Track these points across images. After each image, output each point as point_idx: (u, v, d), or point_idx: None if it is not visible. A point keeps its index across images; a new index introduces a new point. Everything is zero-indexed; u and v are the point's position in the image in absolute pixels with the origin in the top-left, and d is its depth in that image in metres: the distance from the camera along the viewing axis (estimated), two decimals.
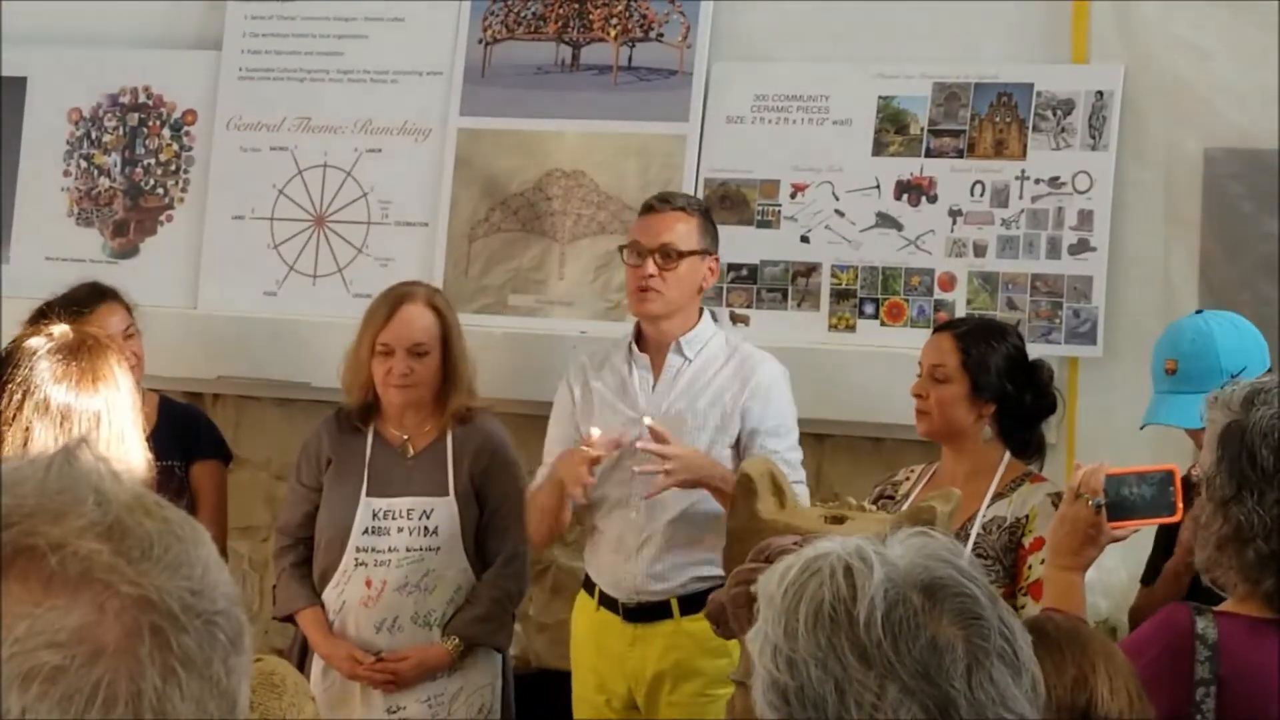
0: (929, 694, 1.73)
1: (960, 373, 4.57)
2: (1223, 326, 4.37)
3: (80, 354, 3.17)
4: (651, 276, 4.88)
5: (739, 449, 4.87)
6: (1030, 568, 4.40)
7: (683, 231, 4.90)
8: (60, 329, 3.27)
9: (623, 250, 5.03)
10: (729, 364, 4.93)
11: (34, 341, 3.20)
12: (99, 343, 3.27)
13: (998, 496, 4.53)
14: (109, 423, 3.10)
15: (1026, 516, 4.47)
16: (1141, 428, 4.49)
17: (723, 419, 4.88)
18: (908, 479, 4.74)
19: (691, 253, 4.89)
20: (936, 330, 4.79)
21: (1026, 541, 4.44)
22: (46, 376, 3.11)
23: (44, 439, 3.05)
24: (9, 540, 1.23)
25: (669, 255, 4.88)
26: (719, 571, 4.73)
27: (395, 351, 5.07)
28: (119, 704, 1.22)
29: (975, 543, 4.44)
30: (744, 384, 4.89)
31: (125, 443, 3.10)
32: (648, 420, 4.79)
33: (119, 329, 5.26)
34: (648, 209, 4.99)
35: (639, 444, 4.79)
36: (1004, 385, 4.56)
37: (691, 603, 4.84)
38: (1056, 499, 4.45)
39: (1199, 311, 4.57)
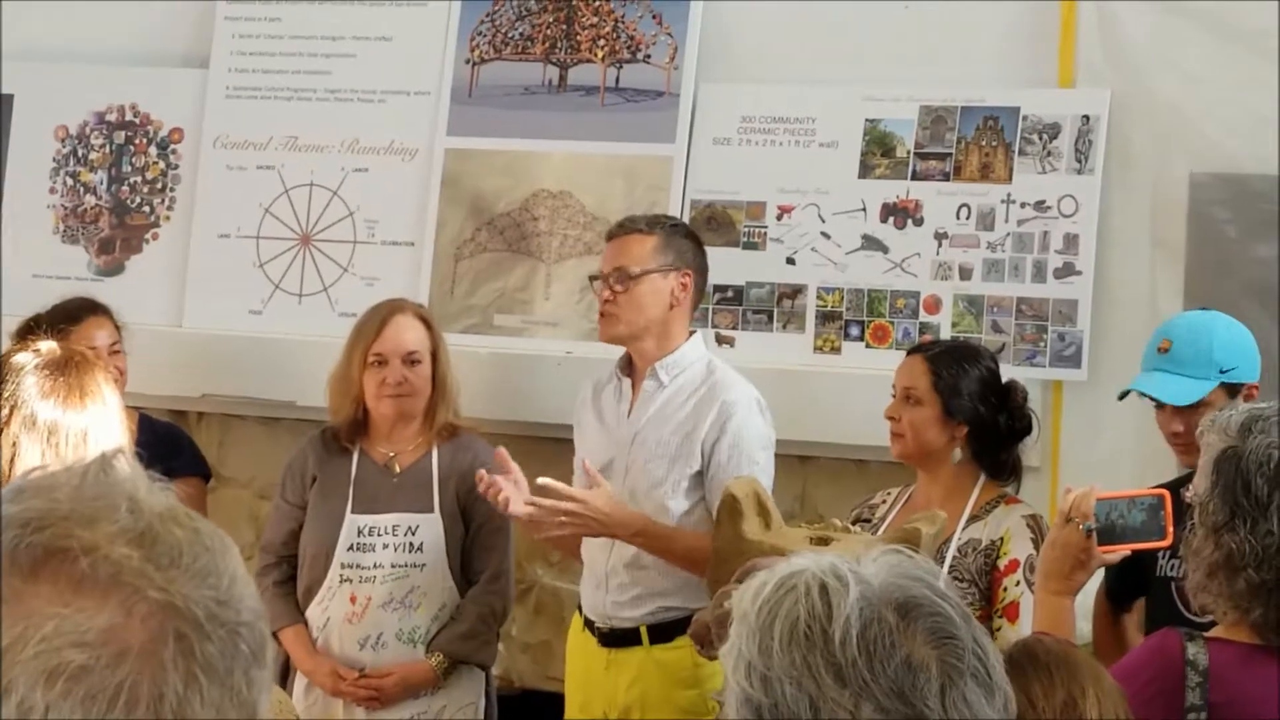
0: (903, 713, 1.73)
1: (932, 395, 4.57)
2: (1222, 322, 4.39)
3: (68, 370, 3.17)
4: (607, 301, 4.89)
5: (704, 476, 4.85)
6: (1005, 590, 4.40)
7: (636, 253, 4.89)
8: (47, 345, 3.27)
9: (593, 281, 5.04)
10: (699, 390, 4.89)
11: (21, 357, 3.20)
12: (86, 359, 3.28)
13: (973, 519, 4.53)
14: (96, 439, 3.10)
15: (1001, 539, 4.46)
16: (1120, 397, 4.47)
17: (681, 447, 4.84)
18: (884, 502, 4.74)
19: (647, 272, 4.88)
20: (910, 353, 4.78)
21: (1001, 563, 4.44)
22: (33, 392, 3.11)
23: (31, 454, 3.05)
24: (43, 541, 1.26)
25: (622, 278, 4.87)
26: (689, 604, 4.76)
27: (389, 361, 5.09)
28: (140, 706, 1.24)
29: (951, 565, 4.44)
30: (706, 411, 4.84)
31: None
32: (541, 480, 4.75)
33: (105, 343, 5.28)
34: (609, 237, 5.01)
35: (539, 480, 4.76)
36: (976, 407, 4.57)
37: (660, 632, 4.85)
38: (1031, 521, 4.45)
39: (1203, 309, 4.58)
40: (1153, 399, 4.36)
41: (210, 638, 1.27)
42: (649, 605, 4.87)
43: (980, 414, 4.57)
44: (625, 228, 4.97)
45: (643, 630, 4.87)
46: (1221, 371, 4.26)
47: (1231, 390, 4.23)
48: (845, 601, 1.75)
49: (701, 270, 4.98)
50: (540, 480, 4.75)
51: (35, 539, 1.26)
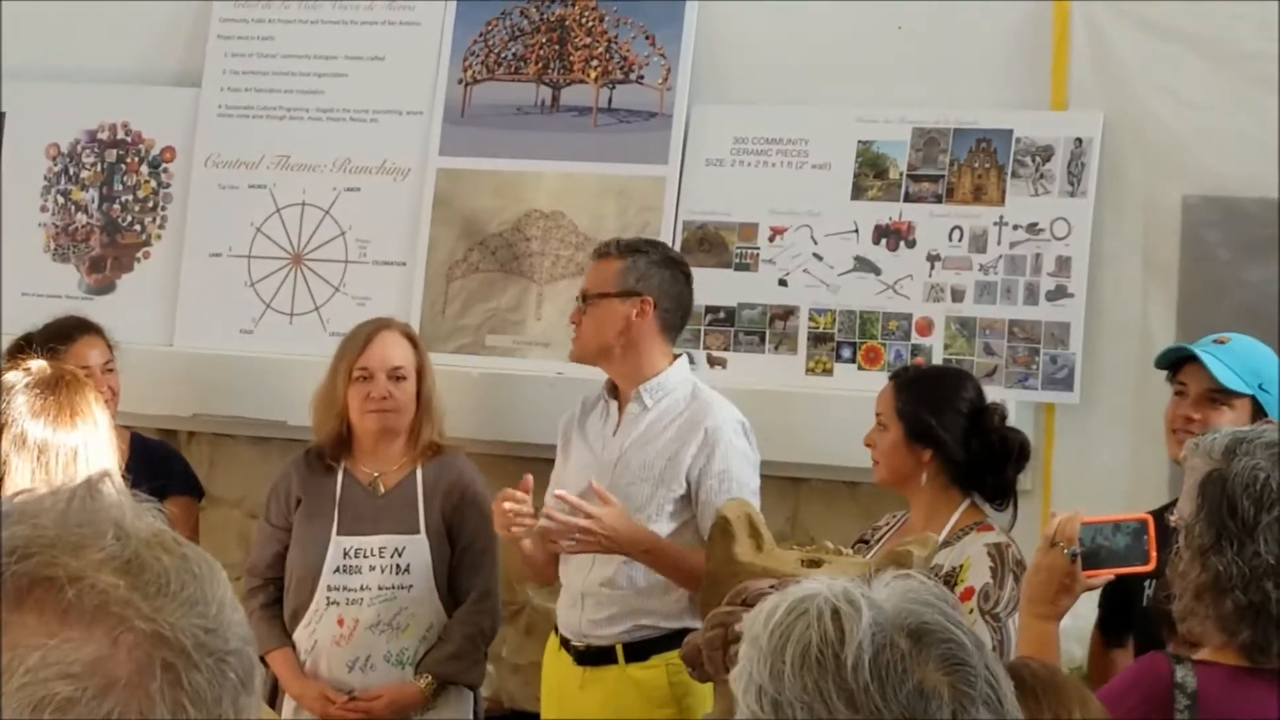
0: None
1: (895, 419, 4.55)
2: (1275, 356, 4.39)
3: (58, 389, 3.17)
4: (573, 322, 4.95)
5: (693, 502, 4.83)
6: None
7: (598, 277, 4.91)
8: (38, 364, 3.27)
9: None
10: (683, 414, 4.87)
11: (11, 376, 3.20)
12: (77, 378, 3.28)
13: (945, 544, 4.48)
14: (86, 458, 3.10)
15: (960, 566, 4.42)
16: (1158, 363, 4.43)
17: (665, 471, 4.82)
18: (887, 525, 4.72)
19: (603, 296, 4.88)
20: (889, 378, 4.78)
21: (957, 591, 4.39)
22: (24, 411, 3.12)
23: (21, 473, 3.05)
24: (28, 570, 1.25)
25: (583, 299, 4.91)
26: (665, 623, 4.75)
27: (375, 375, 5.09)
28: None
29: None
30: (692, 434, 4.82)
31: None
32: (593, 482, 4.74)
33: (98, 362, 5.28)
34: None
35: (555, 492, 4.75)
36: (939, 431, 4.51)
37: (636, 650, 4.84)
38: (994, 549, 4.39)
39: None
40: (1178, 382, 4.34)
41: (198, 667, 1.26)
42: (625, 624, 4.86)
43: (942, 437, 4.52)
44: (599, 250, 5.00)
45: (618, 648, 4.86)
46: (1261, 388, 4.26)
47: (1256, 412, 4.23)
48: (858, 627, 1.74)
49: (672, 296, 4.91)
50: (556, 491, 4.74)
51: (20, 568, 1.24)
